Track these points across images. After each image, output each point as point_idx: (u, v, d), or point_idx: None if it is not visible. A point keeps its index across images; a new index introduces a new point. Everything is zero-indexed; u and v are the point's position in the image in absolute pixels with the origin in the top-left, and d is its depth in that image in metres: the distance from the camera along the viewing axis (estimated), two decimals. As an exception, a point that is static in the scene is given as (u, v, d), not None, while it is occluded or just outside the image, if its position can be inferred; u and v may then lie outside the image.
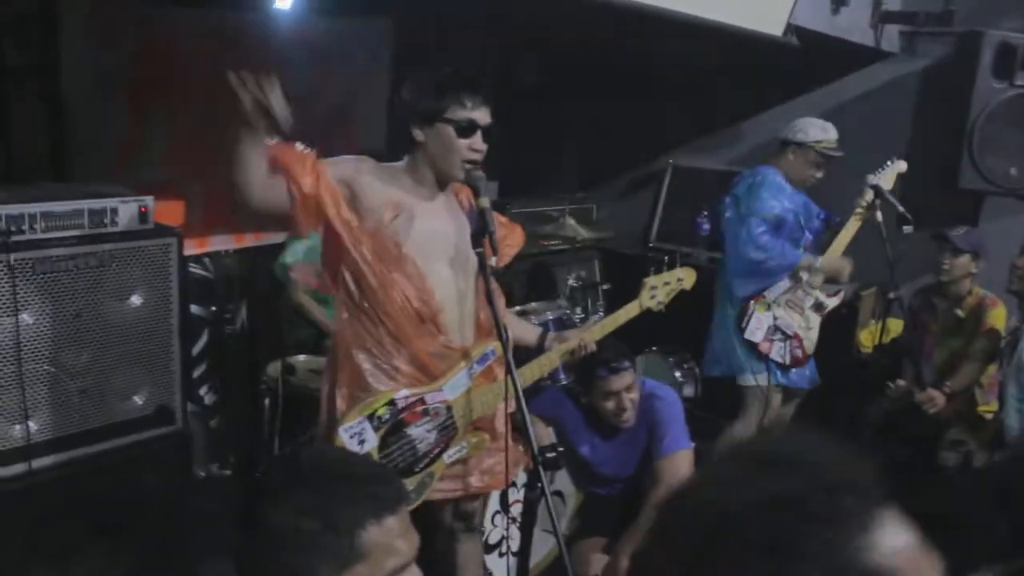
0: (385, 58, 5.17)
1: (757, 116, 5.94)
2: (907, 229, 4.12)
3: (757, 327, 4.20)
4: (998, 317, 4.36)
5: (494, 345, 2.79)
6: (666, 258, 5.39)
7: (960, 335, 4.44)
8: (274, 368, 3.94)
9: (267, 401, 3.91)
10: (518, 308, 4.36)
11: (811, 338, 4.29)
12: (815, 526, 0.79)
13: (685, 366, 5.33)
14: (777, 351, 4.20)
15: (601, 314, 5.29)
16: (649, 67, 5.46)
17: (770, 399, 4.22)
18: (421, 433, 2.74)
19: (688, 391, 5.24)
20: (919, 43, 5.52)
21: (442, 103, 2.60)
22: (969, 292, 4.40)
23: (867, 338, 5.11)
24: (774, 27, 4.45)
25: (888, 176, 4.22)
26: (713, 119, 6.14)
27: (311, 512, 1.32)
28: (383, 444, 2.69)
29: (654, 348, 5.37)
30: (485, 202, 2.56)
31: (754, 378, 4.23)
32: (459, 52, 5.22)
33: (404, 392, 2.71)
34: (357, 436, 2.64)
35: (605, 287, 5.61)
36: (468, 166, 2.65)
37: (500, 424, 2.90)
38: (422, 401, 2.73)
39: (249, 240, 4.72)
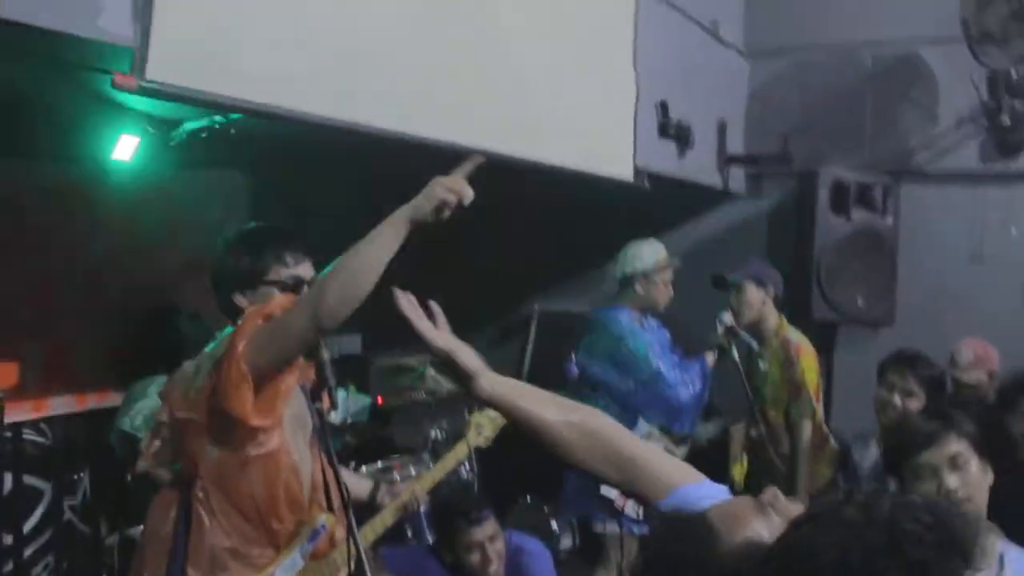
0: (243, 208, 5.04)
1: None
2: (763, 365, 4.14)
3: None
4: (810, 367, 4.25)
5: (324, 518, 2.49)
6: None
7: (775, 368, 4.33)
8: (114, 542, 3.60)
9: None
10: (380, 464, 4.15)
11: None
12: None
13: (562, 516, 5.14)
14: (631, 507, 4.05)
15: (468, 467, 5.10)
16: (512, 212, 5.50)
17: (627, 548, 4.04)
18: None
19: (566, 542, 5.03)
20: (763, 183, 5.78)
21: (261, 263, 2.43)
22: (775, 328, 4.31)
23: (739, 472, 5.06)
24: (623, 171, 4.54)
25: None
26: (576, 262, 6.21)
27: None
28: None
29: (528, 498, 5.18)
30: (324, 355, 2.35)
31: (604, 527, 4.06)
32: (320, 206, 5.14)
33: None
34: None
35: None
36: None
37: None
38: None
39: (92, 401, 4.39)
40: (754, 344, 4.18)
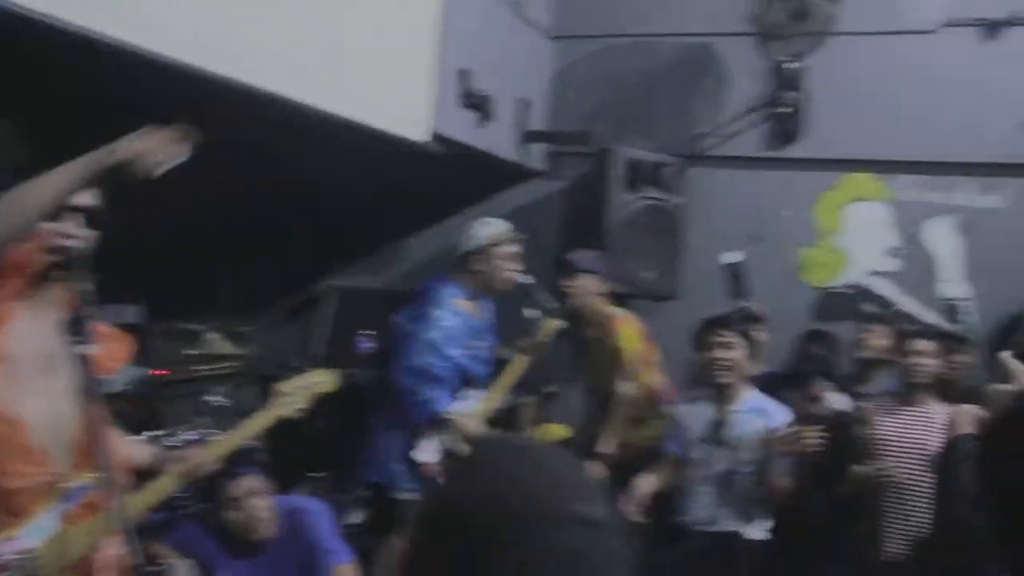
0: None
1: (414, 235, 6.01)
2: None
3: (428, 448, 4.01)
4: (627, 336, 4.46)
5: (83, 479, 2.27)
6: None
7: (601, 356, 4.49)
8: None
9: None
10: (162, 431, 3.91)
11: None
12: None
13: (354, 492, 5.03)
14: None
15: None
16: (307, 189, 5.34)
17: None
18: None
19: (356, 517, 4.92)
20: (563, 162, 5.90)
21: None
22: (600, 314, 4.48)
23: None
24: (418, 134, 4.49)
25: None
26: (372, 239, 6.12)
27: None
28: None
29: (319, 473, 5.04)
30: (87, 310, 2.13)
31: (409, 493, 4.02)
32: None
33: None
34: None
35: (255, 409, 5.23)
36: (56, 257, 2.17)
37: (105, 564, 2.40)
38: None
39: None
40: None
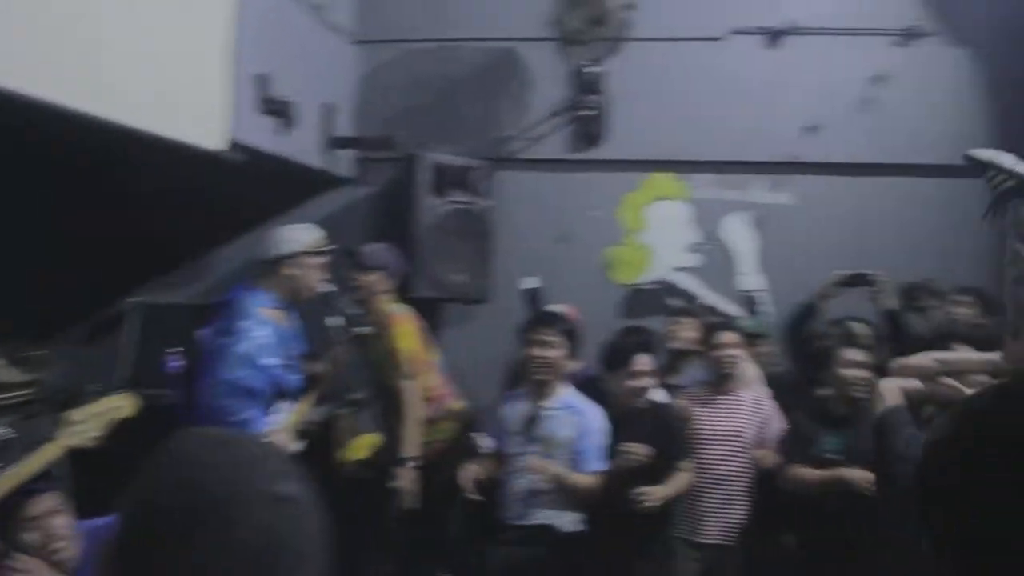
0: None
1: (222, 247, 5.79)
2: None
3: None
4: (404, 335, 4.42)
5: None
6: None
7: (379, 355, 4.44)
8: None
9: None
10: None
11: None
12: None
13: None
14: None
15: (59, 468, 4.59)
16: (108, 202, 5.05)
17: None
18: None
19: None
20: (371, 169, 5.83)
21: None
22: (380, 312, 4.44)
23: (351, 454, 5.00)
24: (215, 142, 4.32)
25: None
26: (179, 253, 5.86)
27: None
28: None
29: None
30: None
31: None
32: None
33: None
34: None
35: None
36: None
37: None
38: None
39: None
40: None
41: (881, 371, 4.19)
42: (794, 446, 4.03)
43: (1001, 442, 0.95)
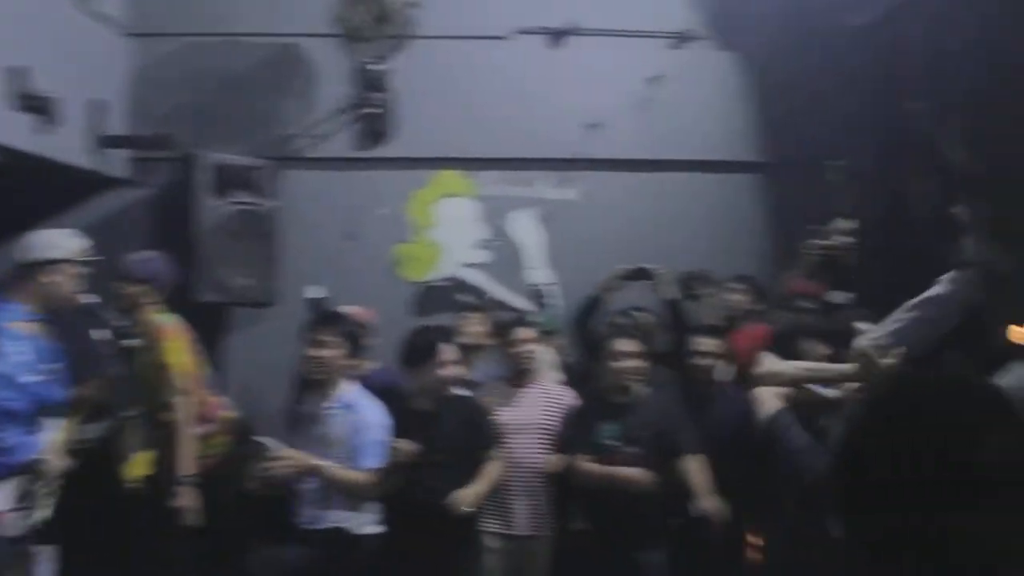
0: None
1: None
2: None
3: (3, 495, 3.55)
4: (174, 350, 4.21)
5: None
6: None
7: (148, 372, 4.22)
8: None
9: None
10: None
11: None
12: None
13: None
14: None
15: None
16: None
17: None
18: None
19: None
20: (148, 169, 5.56)
21: None
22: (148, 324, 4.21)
23: (137, 469, 4.76)
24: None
25: None
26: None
27: None
28: None
29: None
30: None
31: None
32: None
33: None
34: None
35: None
36: None
37: None
38: None
39: None
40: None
41: (659, 358, 4.44)
42: (576, 435, 4.17)
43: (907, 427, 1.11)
